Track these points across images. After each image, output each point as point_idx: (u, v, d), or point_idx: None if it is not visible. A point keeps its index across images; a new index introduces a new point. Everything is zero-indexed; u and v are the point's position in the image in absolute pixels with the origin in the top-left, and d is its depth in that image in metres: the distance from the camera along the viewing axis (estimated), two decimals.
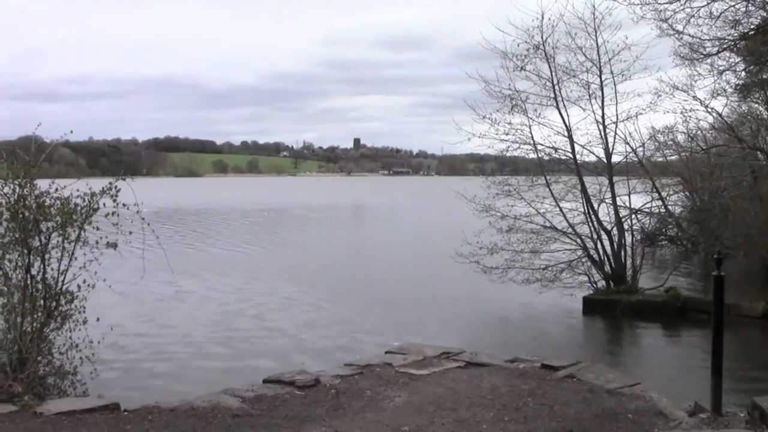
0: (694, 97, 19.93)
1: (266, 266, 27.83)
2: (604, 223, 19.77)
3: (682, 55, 18.66)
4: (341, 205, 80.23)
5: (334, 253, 32.97)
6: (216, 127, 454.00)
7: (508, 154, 20.16)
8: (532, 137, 19.43)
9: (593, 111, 19.49)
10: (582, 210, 19.79)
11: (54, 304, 9.34)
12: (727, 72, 18.81)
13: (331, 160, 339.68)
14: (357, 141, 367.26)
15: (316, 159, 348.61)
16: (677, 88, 19.76)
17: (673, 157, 26.14)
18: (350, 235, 43.75)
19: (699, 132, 24.36)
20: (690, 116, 21.76)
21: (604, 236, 19.66)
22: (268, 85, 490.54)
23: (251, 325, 17.44)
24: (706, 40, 16.41)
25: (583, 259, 19.61)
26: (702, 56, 17.28)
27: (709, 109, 20.55)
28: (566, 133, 19.44)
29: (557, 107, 19.31)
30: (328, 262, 29.63)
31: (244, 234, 42.56)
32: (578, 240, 19.55)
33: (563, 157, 19.88)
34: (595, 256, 19.54)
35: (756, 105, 22.69)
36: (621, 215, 19.83)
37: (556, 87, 19.21)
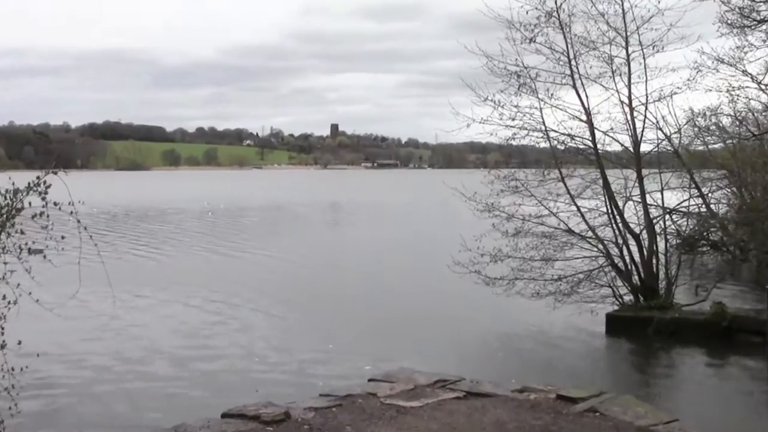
0: (744, 72, 19.80)
1: (224, 277, 27.84)
2: (632, 226, 19.78)
3: (729, 21, 18.52)
4: (316, 202, 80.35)
5: (305, 260, 33.01)
6: (168, 111, 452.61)
7: (515, 143, 20.17)
8: (544, 122, 19.41)
9: (617, 90, 19.49)
10: (604, 209, 19.79)
11: None
12: None
13: (303, 149, 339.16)
14: (335, 127, 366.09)
15: (286, 148, 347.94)
16: (722, 62, 19.61)
17: (716, 146, 25.81)
18: (325, 239, 43.81)
19: (749, 114, 24.06)
20: (738, 95, 21.56)
21: (632, 241, 19.65)
22: (231, 61, 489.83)
23: (206, 347, 17.41)
24: (760, 2, 16.21)
25: (606, 269, 19.61)
26: (754, 23, 17.15)
27: (763, 87, 20.44)
28: (585, 118, 19.45)
29: (574, 86, 19.31)
30: (299, 272, 29.67)
31: (200, 238, 42.60)
32: (600, 245, 19.55)
33: (581, 146, 19.88)
34: (621, 264, 19.54)
35: None
36: (652, 216, 19.82)
37: (573, 62, 19.21)
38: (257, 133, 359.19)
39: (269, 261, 33.14)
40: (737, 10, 16.86)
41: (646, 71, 19.18)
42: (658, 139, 20.62)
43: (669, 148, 21.22)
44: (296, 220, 59.75)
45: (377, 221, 57.84)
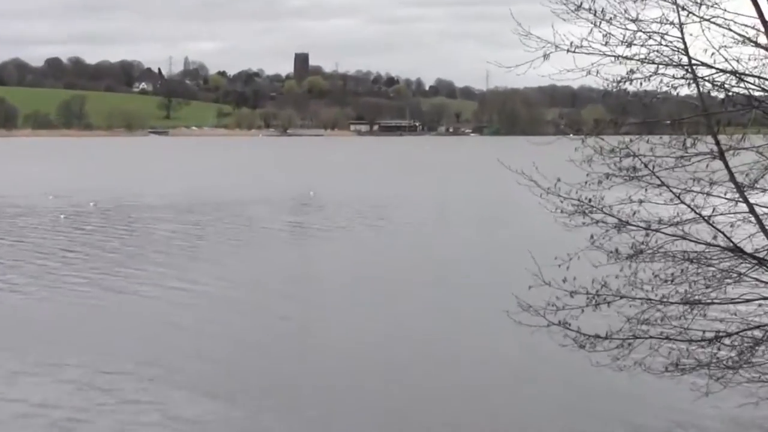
0: None
1: (108, 332, 28.22)
2: None
3: None
4: (268, 197, 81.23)
5: (252, 301, 33.60)
6: None
7: (633, 88, 20.14)
8: (687, 50, 19.32)
9: None
10: None
11: None
12: None
13: (245, 100, 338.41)
14: (302, 60, 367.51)
15: (214, 98, 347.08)
16: None
17: None
18: (286, 263, 44.47)
19: None
20: None
21: None
22: None
23: None
24: None
25: None
26: None
27: None
28: (764, 40, 19.35)
29: None
30: (241, 323, 30.01)
31: (61, 260, 43.16)
32: None
33: (758, 94, 19.76)
34: None
35: None
36: None
37: None
38: (159, 70, 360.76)
39: (189, 302, 33.58)
40: None
41: None
42: None
43: None
44: (235, 228, 60.38)
45: (376, 230, 58.76)
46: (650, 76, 19.48)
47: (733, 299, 19.62)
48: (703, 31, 19.44)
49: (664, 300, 19.27)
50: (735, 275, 19.56)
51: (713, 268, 19.48)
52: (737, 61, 19.49)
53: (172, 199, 78.74)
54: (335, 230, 59.68)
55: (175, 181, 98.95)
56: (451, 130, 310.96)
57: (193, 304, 33.15)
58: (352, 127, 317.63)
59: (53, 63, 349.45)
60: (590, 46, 19.25)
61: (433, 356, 25.60)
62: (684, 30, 19.34)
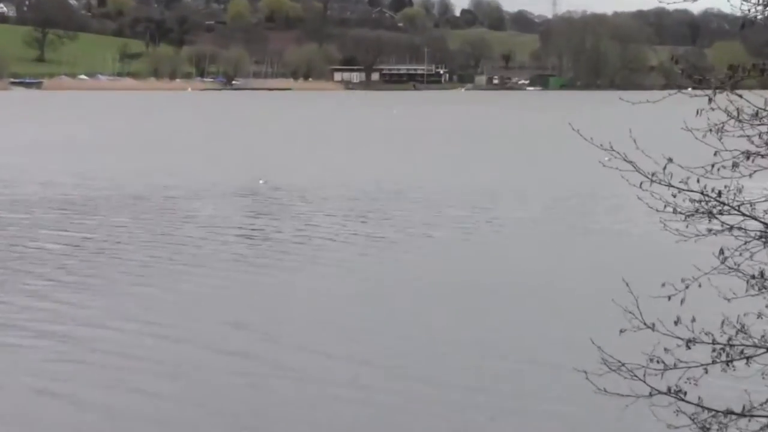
0: None
1: None
2: None
3: None
4: (202, 189, 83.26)
5: (176, 344, 34.99)
6: None
7: None
8: None
9: None
10: None
11: None
12: None
13: (164, 33, 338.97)
14: None
15: (116, 32, 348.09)
16: None
17: None
18: (223, 287, 46.38)
19: None
20: None
21: None
22: None
23: None
24: None
25: None
26: None
27: None
28: None
29: None
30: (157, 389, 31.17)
31: None
32: None
33: None
34: None
35: None
36: None
37: None
38: None
39: (84, 350, 34.72)
40: None
41: None
42: None
43: None
44: (149, 235, 61.84)
45: (365, 236, 61.05)
46: None
47: None
48: None
49: None
50: None
51: None
52: None
53: (54, 191, 78.98)
54: (293, 235, 60.20)
55: (57, 162, 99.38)
56: (496, 80, 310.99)
57: (88, 354, 33.38)
58: (338, 76, 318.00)
59: None
60: None
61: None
62: None
